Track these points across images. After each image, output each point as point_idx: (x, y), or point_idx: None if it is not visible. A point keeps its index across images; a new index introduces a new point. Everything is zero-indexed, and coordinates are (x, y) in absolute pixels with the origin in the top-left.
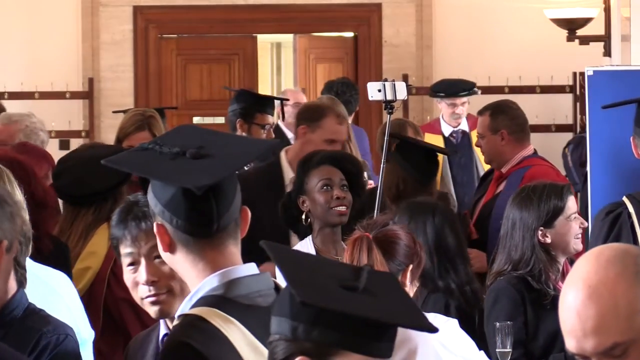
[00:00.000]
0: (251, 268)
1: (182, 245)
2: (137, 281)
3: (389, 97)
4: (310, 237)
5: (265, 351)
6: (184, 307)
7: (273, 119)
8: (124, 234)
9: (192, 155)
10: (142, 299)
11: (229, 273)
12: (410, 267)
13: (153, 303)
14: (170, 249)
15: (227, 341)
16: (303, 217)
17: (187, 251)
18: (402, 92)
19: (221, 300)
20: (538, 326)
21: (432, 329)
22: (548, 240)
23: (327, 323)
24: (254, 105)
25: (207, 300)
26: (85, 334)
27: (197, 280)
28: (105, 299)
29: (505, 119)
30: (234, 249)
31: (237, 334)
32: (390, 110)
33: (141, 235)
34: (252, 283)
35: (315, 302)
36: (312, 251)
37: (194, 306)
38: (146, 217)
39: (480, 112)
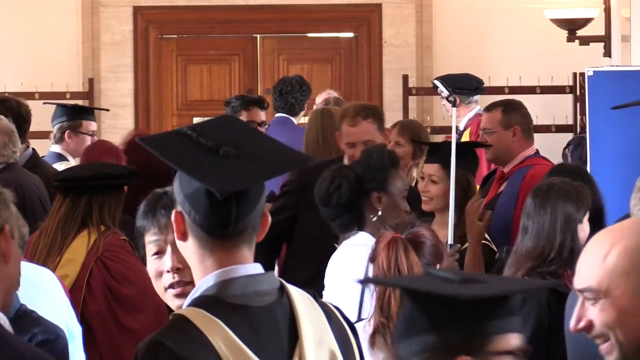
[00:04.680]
0: (255, 268)
1: (195, 239)
2: (161, 270)
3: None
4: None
5: (249, 353)
6: (184, 306)
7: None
8: (152, 222)
9: (225, 153)
10: (166, 288)
11: (226, 272)
12: (438, 266)
13: (177, 295)
14: (184, 238)
15: (206, 342)
16: (378, 213)
17: (199, 246)
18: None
19: (210, 300)
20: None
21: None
22: (582, 234)
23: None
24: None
25: (197, 301)
26: (73, 328)
27: (201, 276)
28: (81, 310)
29: (518, 116)
30: (247, 253)
31: (219, 335)
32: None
33: (169, 224)
34: (251, 283)
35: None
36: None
37: (187, 306)
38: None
39: (489, 109)
